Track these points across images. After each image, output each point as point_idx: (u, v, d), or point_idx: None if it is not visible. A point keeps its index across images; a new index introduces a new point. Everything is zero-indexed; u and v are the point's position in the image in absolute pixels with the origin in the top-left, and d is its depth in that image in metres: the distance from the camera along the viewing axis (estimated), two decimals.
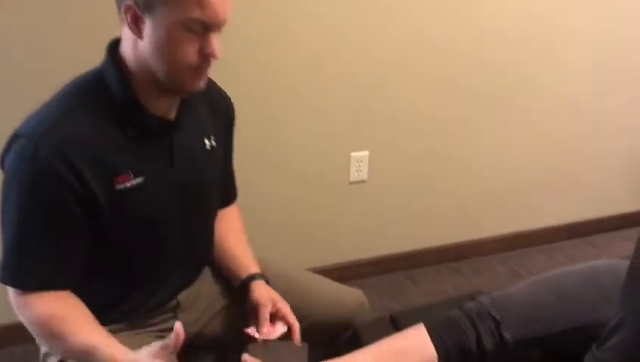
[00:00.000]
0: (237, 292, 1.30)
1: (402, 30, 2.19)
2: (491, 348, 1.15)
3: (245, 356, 1.08)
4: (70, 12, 1.71)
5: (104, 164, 1.04)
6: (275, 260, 1.43)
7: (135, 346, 1.03)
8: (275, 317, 1.22)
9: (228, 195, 1.40)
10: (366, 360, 1.17)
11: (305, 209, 2.31)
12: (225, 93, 1.30)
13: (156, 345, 0.99)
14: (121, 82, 1.05)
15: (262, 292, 1.24)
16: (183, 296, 1.28)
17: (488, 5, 2.28)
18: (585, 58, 2.55)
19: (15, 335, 2.06)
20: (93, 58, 1.11)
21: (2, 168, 1.04)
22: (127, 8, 1.00)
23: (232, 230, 1.37)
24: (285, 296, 1.28)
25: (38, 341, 1.15)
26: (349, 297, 1.42)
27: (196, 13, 0.98)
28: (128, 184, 1.06)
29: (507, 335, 1.15)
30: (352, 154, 2.31)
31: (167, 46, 1.01)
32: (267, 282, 1.28)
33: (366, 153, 2.33)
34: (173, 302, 1.27)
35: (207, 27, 1.01)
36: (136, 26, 1.01)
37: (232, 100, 1.32)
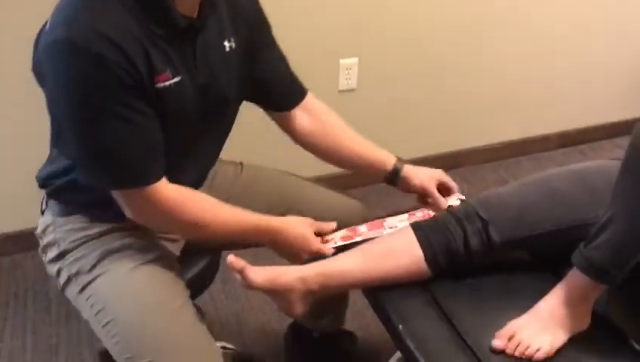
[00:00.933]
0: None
1: None
2: (478, 249, 1.15)
3: (231, 256, 1.07)
4: None
5: (147, 58, 0.99)
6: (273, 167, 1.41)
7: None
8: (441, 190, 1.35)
9: (295, 92, 1.35)
10: (352, 259, 1.18)
11: None
12: None
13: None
14: None
15: (419, 175, 1.37)
16: None
17: None
18: None
19: (2, 246, 2.07)
20: None
21: (57, 81, 0.97)
22: None
23: (335, 126, 1.40)
24: (283, 202, 1.27)
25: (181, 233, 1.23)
26: (349, 207, 1.41)
27: None
28: (167, 83, 1.02)
29: (494, 235, 1.14)
30: (341, 61, 2.24)
31: None
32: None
33: (355, 60, 2.26)
34: None
35: None
36: None
37: None
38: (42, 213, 1.22)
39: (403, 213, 1.35)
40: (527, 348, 1.02)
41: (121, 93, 0.97)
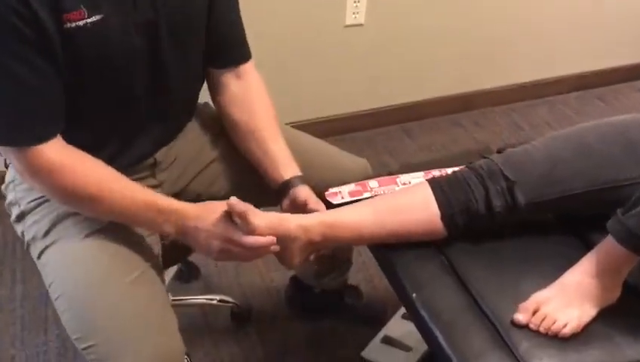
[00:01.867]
0: (233, 149, 1.20)
1: None
2: (500, 210, 1.04)
3: (233, 199, 0.97)
4: None
5: None
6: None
7: None
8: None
9: (233, 51, 1.18)
10: (363, 213, 1.08)
11: (295, 55, 2.15)
12: None
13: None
14: None
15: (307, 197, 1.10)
16: (161, 153, 1.16)
17: None
18: None
19: None
20: None
21: None
22: None
23: (258, 112, 1.17)
24: None
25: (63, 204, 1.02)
26: (353, 167, 1.30)
27: None
28: (81, 23, 0.89)
29: (520, 196, 1.04)
30: None
31: None
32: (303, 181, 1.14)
33: None
34: (151, 160, 1.15)
35: None
36: None
37: None
38: (6, 166, 1.13)
39: (417, 170, 1.24)
40: (554, 323, 0.93)
41: (15, 45, 0.85)
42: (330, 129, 2.29)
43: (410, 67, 2.37)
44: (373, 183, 1.21)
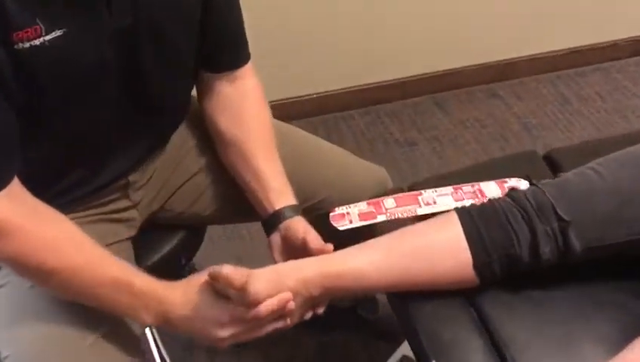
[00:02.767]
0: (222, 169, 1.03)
1: None
2: (549, 257, 0.82)
3: (226, 268, 0.77)
4: None
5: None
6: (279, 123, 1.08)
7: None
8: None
9: (230, 54, 1.00)
10: (375, 259, 0.86)
11: (319, 20, 1.93)
12: None
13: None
14: None
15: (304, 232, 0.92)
16: (135, 175, 0.99)
17: None
18: None
19: None
20: None
21: None
22: None
23: (250, 123, 0.99)
24: (294, 176, 0.98)
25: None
26: (370, 179, 1.11)
27: None
28: (37, 42, 0.73)
29: (575, 240, 0.81)
30: None
31: None
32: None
33: None
34: (123, 181, 0.98)
35: None
36: None
37: None
38: None
39: (444, 184, 1.02)
40: None
41: None
42: (354, 100, 2.14)
43: (442, 30, 2.14)
44: (389, 202, 1.00)
